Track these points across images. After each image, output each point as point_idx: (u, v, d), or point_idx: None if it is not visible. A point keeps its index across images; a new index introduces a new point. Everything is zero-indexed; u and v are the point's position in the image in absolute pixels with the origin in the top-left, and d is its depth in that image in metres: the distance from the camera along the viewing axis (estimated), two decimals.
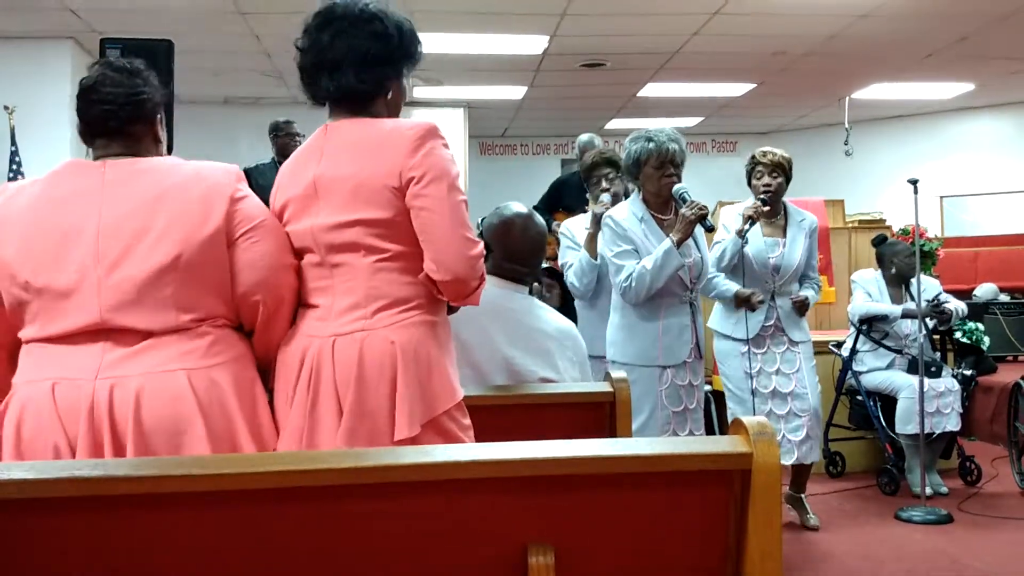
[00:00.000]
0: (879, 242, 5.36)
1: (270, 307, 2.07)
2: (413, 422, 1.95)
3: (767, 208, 4.16)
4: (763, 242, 4.18)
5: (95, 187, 1.96)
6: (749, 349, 4.12)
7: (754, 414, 4.08)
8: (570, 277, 4.01)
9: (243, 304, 2.05)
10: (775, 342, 4.19)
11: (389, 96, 2.14)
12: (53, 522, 1.42)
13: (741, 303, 4.05)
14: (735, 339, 4.15)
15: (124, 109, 2.02)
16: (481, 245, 2.06)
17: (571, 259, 4.05)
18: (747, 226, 4.06)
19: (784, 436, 4.14)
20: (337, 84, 2.09)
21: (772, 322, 4.18)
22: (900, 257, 5.17)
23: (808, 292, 4.27)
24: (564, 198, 6.16)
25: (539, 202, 6.43)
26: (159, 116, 2.10)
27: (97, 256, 1.91)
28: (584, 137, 6.26)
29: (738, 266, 4.11)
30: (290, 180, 2.14)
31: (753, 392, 4.10)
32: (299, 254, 2.12)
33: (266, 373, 2.14)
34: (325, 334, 2.01)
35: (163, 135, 2.13)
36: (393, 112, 2.17)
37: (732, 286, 4.08)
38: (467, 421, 2.09)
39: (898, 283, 5.18)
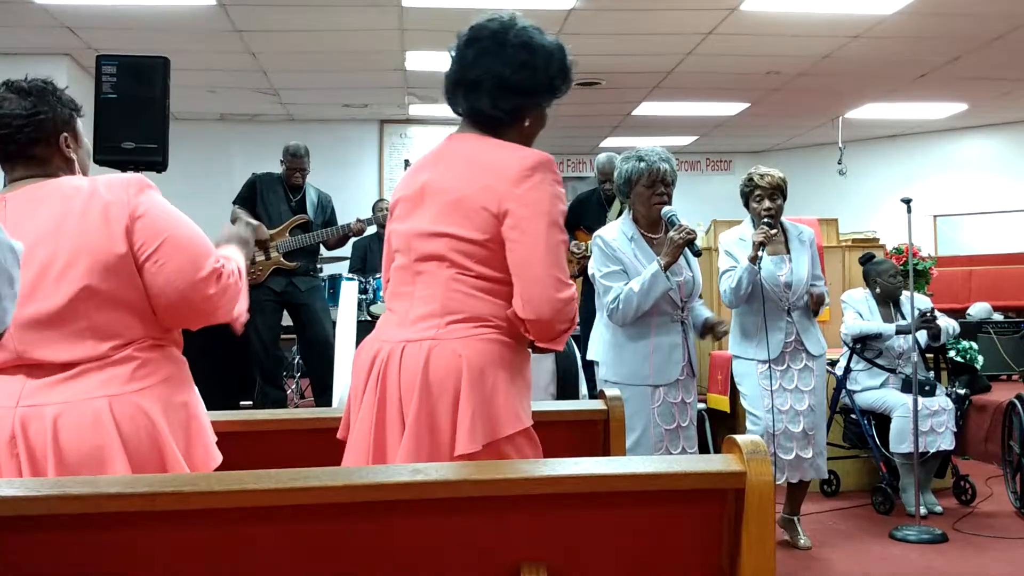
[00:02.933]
0: (865, 260, 5.38)
1: (203, 315, 2.00)
2: (475, 437, 1.90)
3: (775, 232, 4.16)
4: (770, 261, 4.18)
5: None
6: (769, 366, 4.14)
7: (772, 434, 4.09)
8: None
9: (171, 322, 2.01)
10: (794, 359, 4.20)
11: (526, 124, 2.09)
12: (43, 539, 1.41)
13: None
14: (756, 360, 4.16)
15: (22, 132, 1.95)
16: (573, 289, 2.01)
17: None
18: (761, 252, 4.06)
19: (797, 454, 4.14)
20: (471, 106, 2.06)
21: (792, 338, 4.19)
22: (884, 277, 5.19)
23: (818, 290, 4.24)
24: (583, 217, 6.17)
25: None
26: (64, 136, 2.02)
27: None
28: (602, 157, 6.27)
29: (755, 291, 4.11)
30: (407, 181, 2.14)
31: (768, 410, 4.11)
32: (393, 254, 2.12)
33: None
34: (397, 339, 2.00)
35: (73, 153, 2.04)
36: (526, 140, 2.11)
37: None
38: (531, 451, 2.00)
39: (885, 302, 5.20)
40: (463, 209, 1.98)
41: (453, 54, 2.09)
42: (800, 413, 4.17)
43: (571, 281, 2.02)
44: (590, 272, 4.18)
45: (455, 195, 2.00)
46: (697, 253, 3.60)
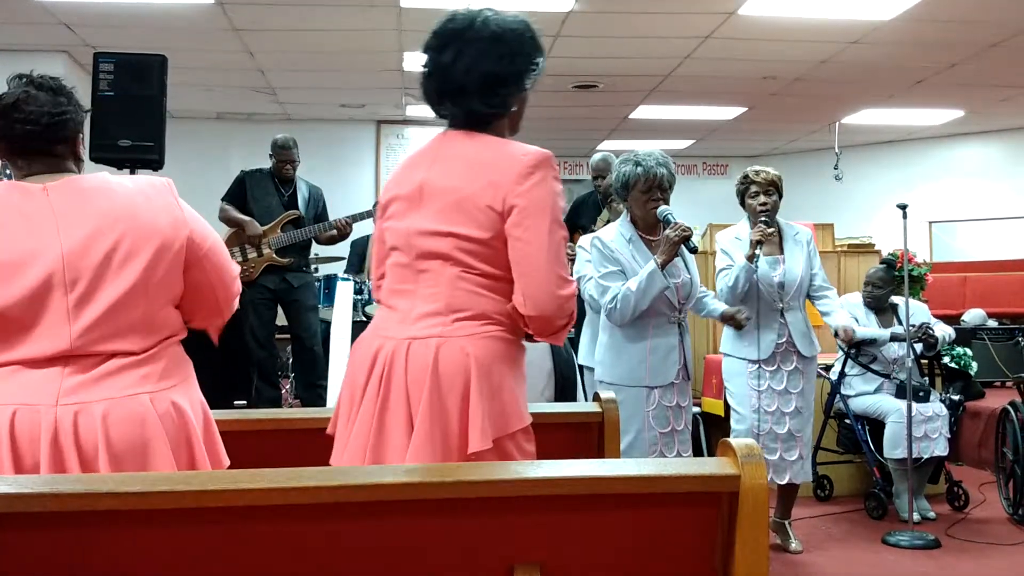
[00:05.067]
0: (881, 262, 5.43)
1: (228, 310, 2.13)
2: (486, 435, 1.90)
3: (772, 230, 4.17)
4: (764, 261, 4.18)
5: (44, 211, 1.92)
6: (759, 366, 4.14)
7: (757, 434, 4.10)
8: (590, 290, 4.01)
9: (199, 318, 2.10)
10: (785, 360, 4.19)
11: (513, 110, 2.11)
12: (35, 537, 1.40)
13: (727, 321, 4.05)
14: (747, 359, 4.17)
15: (49, 129, 1.98)
16: (574, 285, 2.03)
17: (589, 271, 4.05)
18: (758, 251, 4.07)
19: (780, 456, 4.14)
20: (465, 110, 2.06)
21: (784, 339, 4.18)
22: (864, 286, 5.23)
23: (837, 313, 4.30)
24: (581, 218, 6.19)
25: None
26: (80, 136, 2.07)
27: (65, 283, 1.88)
28: (597, 156, 6.28)
29: (750, 291, 4.12)
30: (400, 180, 2.12)
31: (755, 410, 4.11)
32: (389, 252, 2.11)
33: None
34: (401, 336, 1.99)
35: (83, 153, 2.09)
36: (514, 124, 2.14)
37: (719, 306, 4.08)
38: (531, 448, 2.03)
39: (878, 308, 5.21)
40: (466, 208, 1.98)
41: (426, 65, 2.09)
42: (786, 415, 4.17)
43: (572, 278, 2.03)
44: (576, 275, 4.20)
45: (458, 195, 1.99)
46: (693, 250, 3.61)
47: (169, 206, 2.01)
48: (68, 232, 1.91)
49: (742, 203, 4.31)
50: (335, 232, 6.14)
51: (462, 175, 2.01)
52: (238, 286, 2.16)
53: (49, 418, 1.82)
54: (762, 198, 4.21)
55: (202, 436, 1.98)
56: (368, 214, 6.36)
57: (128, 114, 4.58)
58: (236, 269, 2.17)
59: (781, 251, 4.27)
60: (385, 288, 2.12)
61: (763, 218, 4.17)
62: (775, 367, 4.18)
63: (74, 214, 1.92)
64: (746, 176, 4.30)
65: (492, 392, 1.94)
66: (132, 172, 4.63)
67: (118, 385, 1.88)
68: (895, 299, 5.23)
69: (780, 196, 4.27)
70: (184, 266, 2.01)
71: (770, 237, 4.18)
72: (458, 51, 2.03)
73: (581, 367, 4.07)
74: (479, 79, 2.02)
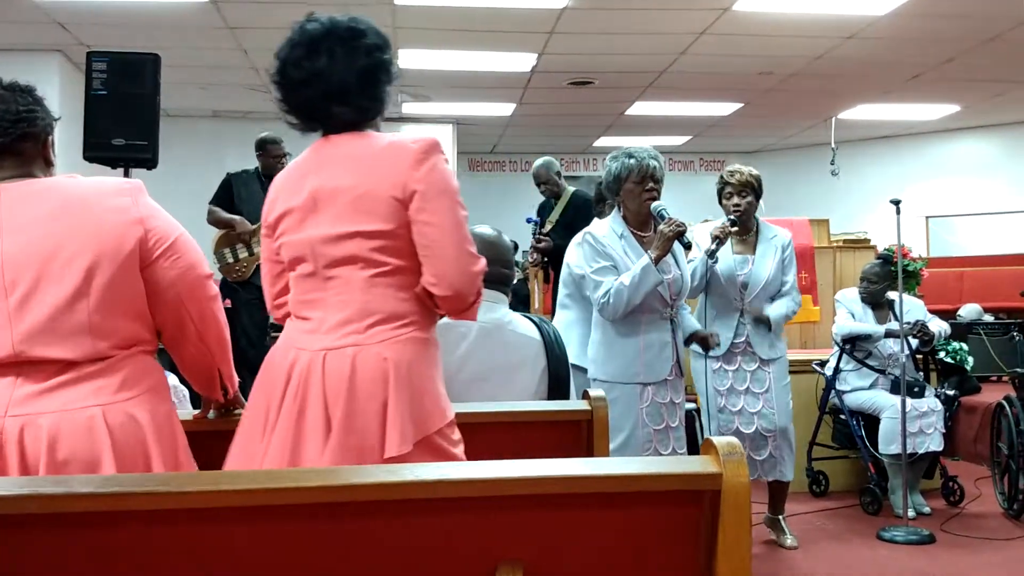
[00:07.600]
0: (878, 257, 5.44)
1: (196, 320, 2.06)
2: (404, 440, 1.91)
3: (735, 228, 4.17)
4: (732, 259, 4.19)
5: None
6: (720, 366, 4.15)
7: (722, 433, 4.09)
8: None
9: (167, 322, 2.04)
10: (746, 360, 4.18)
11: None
12: (13, 539, 1.40)
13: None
14: (707, 356, 4.16)
15: (16, 126, 1.97)
16: (483, 261, 2.04)
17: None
18: (715, 246, 4.06)
19: (748, 455, 4.13)
20: (355, 107, 2.06)
21: (742, 339, 4.18)
22: (860, 282, 5.24)
23: (777, 307, 4.19)
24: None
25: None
26: (50, 139, 2.05)
27: (4, 287, 1.87)
28: (539, 161, 6.39)
29: (709, 285, 4.13)
30: (287, 192, 2.11)
31: (721, 410, 4.12)
32: (291, 265, 2.09)
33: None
34: (315, 347, 1.98)
35: (54, 159, 2.06)
36: (382, 116, 2.16)
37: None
38: (457, 436, 2.06)
39: (875, 303, 5.21)
40: (366, 204, 1.98)
41: (296, 75, 2.08)
42: (754, 415, 4.16)
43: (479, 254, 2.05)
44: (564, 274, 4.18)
45: (355, 192, 1.99)
46: (687, 246, 3.61)
47: (123, 207, 1.96)
48: (10, 235, 1.89)
49: (720, 203, 4.33)
50: None
51: (355, 173, 2.01)
52: (212, 289, 2.11)
53: None
54: (735, 199, 4.23)
55: (168, 446, 1.95)
56: None
57: (121, 113, 4.56)
58: (208, 268, 2.12)
59: (753, 251, 4.26)
60: (292, 301, 2.10)
61: (730, 217, 4.17)
62: (736, 367, 4.17)
63: (19, 216, 1.90)
64: (722, 177, 4.32)
65: (412, 395, 1.95)
66: (126, 171, 4.62)
67: (69, 397, 1.86)
68: (892, 294, 5.24)
69: (758, 196, 4.27)
70: (140, 265, 1.96)
71: (736, 234, 4.18)
72: (330, 52, 2.04)
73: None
74: (358, 76, 2.04)
